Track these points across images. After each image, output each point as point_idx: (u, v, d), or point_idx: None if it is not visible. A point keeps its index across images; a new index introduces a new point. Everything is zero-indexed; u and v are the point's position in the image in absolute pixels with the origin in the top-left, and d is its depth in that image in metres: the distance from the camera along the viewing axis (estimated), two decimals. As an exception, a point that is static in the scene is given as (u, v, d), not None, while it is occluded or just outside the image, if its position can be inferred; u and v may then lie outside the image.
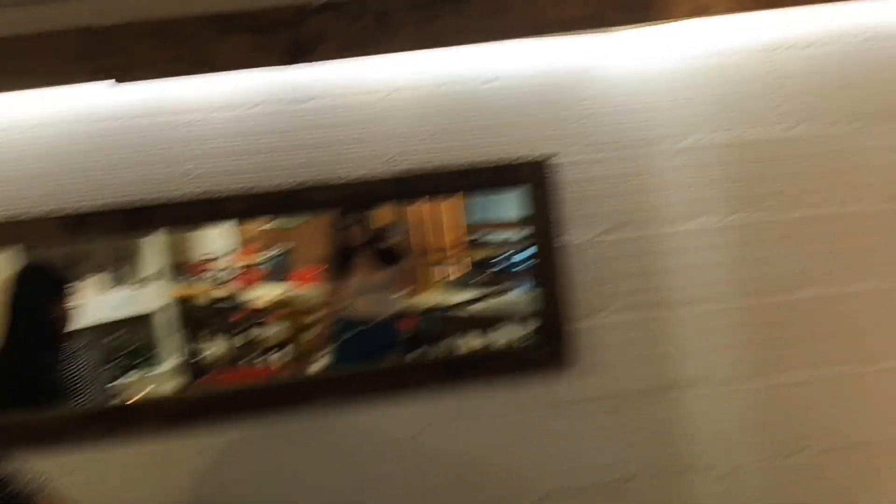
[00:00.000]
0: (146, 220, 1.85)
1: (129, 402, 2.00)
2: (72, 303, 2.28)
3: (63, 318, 2.22)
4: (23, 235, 1.83)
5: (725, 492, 2.02)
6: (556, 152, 1.94)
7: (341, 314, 3.56)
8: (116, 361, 3.56)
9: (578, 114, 1.94)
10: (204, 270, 8.40)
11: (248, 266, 8.32)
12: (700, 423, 2.00)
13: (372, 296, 3.49)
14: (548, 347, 1.95)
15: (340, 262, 3.57)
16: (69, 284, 2.30)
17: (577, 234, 1.96)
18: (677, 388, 1.99)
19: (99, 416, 1.89)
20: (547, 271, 1.95)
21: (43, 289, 2.21)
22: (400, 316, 3.80)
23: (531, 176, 1.93)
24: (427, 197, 2.01)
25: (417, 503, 1.95)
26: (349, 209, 2.26)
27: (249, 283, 7.15)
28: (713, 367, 2.00)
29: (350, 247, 3.48)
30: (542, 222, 1.94)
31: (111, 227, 1.85)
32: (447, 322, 4.69)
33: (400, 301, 3.67)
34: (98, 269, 5.38)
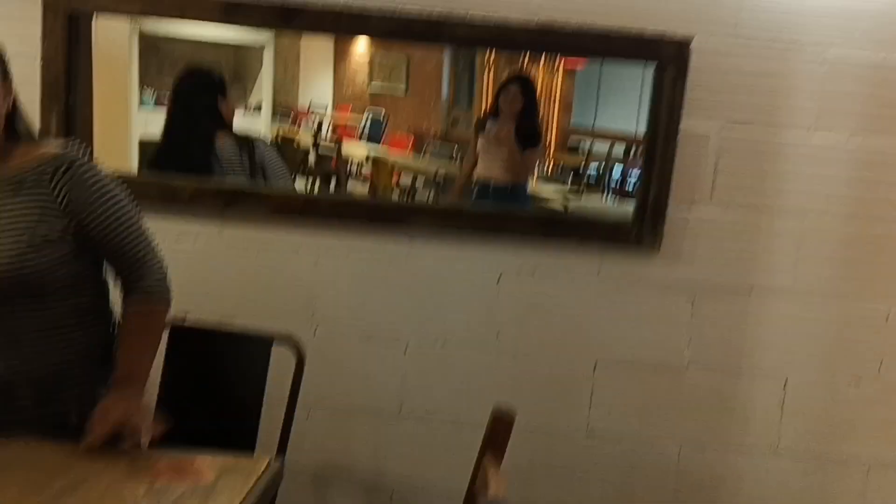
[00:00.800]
0: (294, 19, 1.94)
1: (246, 191, 2.12)
2: (229, 103, 2.61)
3: (222, 114, 2.55)
4: (180, 7, 1.93)
5: (780, 402, 2.07)
6: (697, 35, 1.92)
7: (475, 174, 3.76)
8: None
9: (731, 2, 1.91)
10: (305, 118, 8.62)
11: (345, 124, 8.49)
12: (772, 329, 2.04)
13: (504, 164, 3.64)
14: (643, 226, 2.00)
15: (485, 125, 3.71)
16: (226, 88, 2.63)
17: (697, 123, 1.97)
18: (758, 292, 2.03)
19: (219, 194, 2.04)
20: (659, 152, 1.97)
21: (204, 88, 2.54)
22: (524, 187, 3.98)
23: (668, 53, 1.93)
24: (561, 52, 2.02)
25: (482, 341, 2.06)
26: (481, 46, 2.27)
27: (346, 138, 7.35)
28: (799, 278, 2.02)
29: (498, 113, 3.60)
30: (667, 103, 1.95)
31: (262, 19, 1.94)
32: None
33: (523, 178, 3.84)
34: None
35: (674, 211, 1.99)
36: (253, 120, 7.05)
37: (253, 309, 2.06)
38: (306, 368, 1.70)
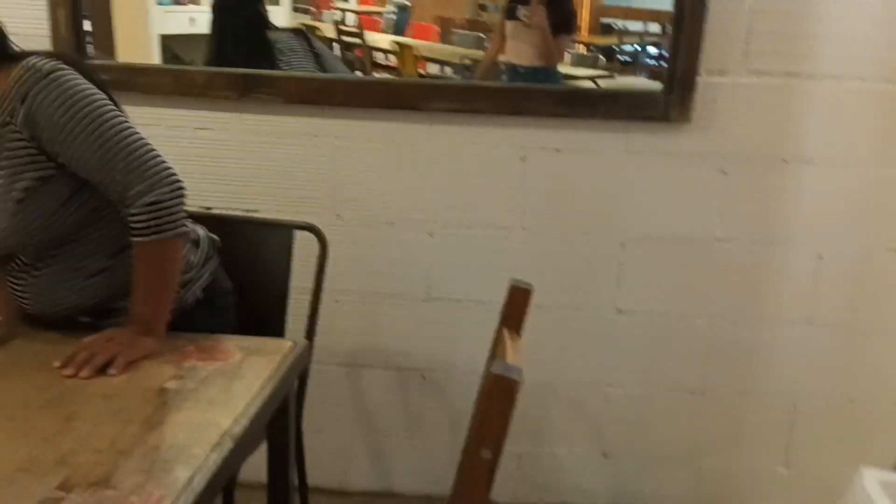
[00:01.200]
0: None
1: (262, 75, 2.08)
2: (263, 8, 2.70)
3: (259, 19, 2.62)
4: None
5: (814, 273, 2.03)
6: None
7: (504, 59, 3.63)
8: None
9: None
10: (329, 8, 8.38)
11: (369, 13, 8.24)
12: (806, 199, 1.98)
13: (534, 49, 3.51)
14: (671, 95, 1.92)
15: (514, 10, 3.56)
16: None
17: (728, -17, 1.85)
18: (793, 161, 1.95)
19: (234, 81, 2.00)
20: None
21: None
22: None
23: None
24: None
25: (508, 222, 2.04)
26: None
27: (369, 28, 7.14)
28: (834, 147, 1.94)
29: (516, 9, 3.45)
30: (696, -38, 1.84)
31: None
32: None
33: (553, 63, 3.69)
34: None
35: (706, 77, 1.91)
36: (271, 13, 6.84)
37: (273, 198, 2.05)
38: (332, 256, 1.70)
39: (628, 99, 1.97)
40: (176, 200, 1.29)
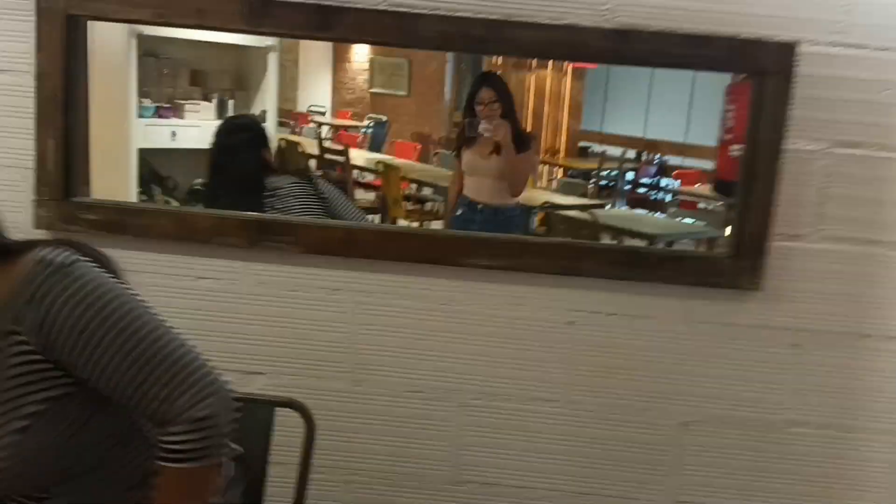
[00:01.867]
0: (333, 23, 1.65)
1: (277, 221, 1.83)
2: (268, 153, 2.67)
3: (260, 164, 2.58)
4: (198, 13, 1.64)
5: None
6: (801, 39, 1.65)
7: (462, 193, 3.40)
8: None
9: (835, 2, 1.64)
10: (307, 123, 8.29)
11: (347, 127, 8.17)
12: (892, 380, 1.77)
13: (496, 179, 3.29)
14: (741, 260, 1.72)
15: (465, 138, 3.38)
16: (268, 139, 2.71)
17: (799, 141, 1.69)
18: (874, 338, 1.75)
19: (248, 225, 1.75)
20: (757, 176, 1.70)
21: (248, 144, 2.57)
22: (522, 205, 3.62)
23: (770, 61, 1.65)
24: (640, 63, 1.74)
25: (551, 397, 1.78)
26: (552, 56, 1.99)
27: (347, 143, 7.05)
28: (921, 323, 1.75)
29: (478, 124, 3.27)
30: (768, 119, 1.68)
31: (294, 23, 1.65)
32: (564, 222, 4.51)
33: (520, 189, 3.47)
34: (212, 95, 5.29)
35: (775, 243, 1.72)
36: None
37: (283, 360, 1.77)
38: (345, 430, 1.45)
39: (693, 263, 1.76)
40: (229, 416, 1.03)
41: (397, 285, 1.76)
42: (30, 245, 1.04)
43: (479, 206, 3.40)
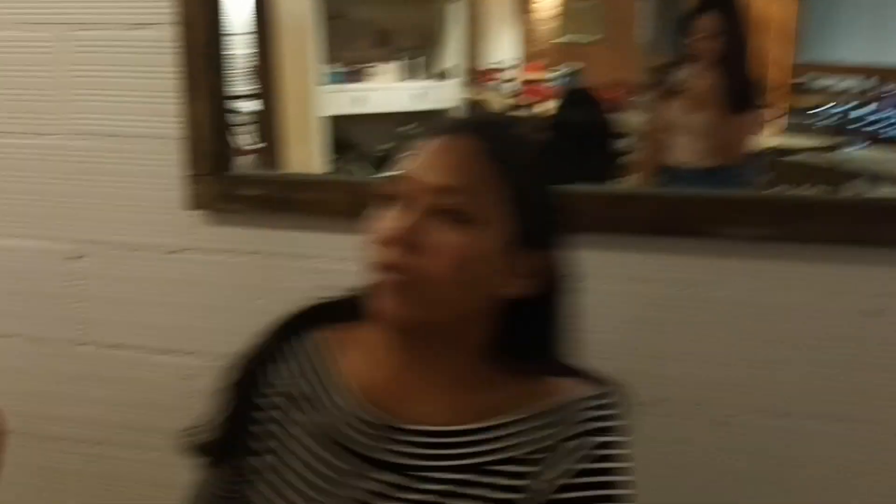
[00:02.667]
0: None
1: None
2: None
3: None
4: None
5: None
6: None
7: (666, 159, 2.75)
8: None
9: None
10: (491, 79, 7.95)
11: (534, 80, 7.74)
12: None
13: (704, 138, 2.63)
14: None
15: (669, 82, 2.73)
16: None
17: None
18: None
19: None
20: None
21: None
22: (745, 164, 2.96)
23: None
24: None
25: (847, 412, 1.30)
26: None
27: (536, 97, 6.61)
28: None
29: (680, 69, 2.59)
30: None
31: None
32: (794, 170, 3.85)
33: (735, 155, 2.73)
34: (397, 55, 5.07)
35: None
36: (436, 89, 6.45)
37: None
38: None
39: None
40: None
41: (620, 265, 1.34)
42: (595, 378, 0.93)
43: (685, 170, 2.74)
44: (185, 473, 1.55)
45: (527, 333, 0.91)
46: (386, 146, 3.66)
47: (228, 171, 1.46)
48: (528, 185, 0.88)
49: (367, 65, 4.91)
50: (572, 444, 0.86)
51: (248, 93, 1.93)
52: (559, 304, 0.92)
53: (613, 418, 0.88)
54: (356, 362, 0.93)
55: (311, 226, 1.44)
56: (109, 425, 1.60)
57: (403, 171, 0.86)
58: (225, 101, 1.45)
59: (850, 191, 3.58)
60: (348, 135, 4.81)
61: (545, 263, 0.89)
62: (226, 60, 1.43)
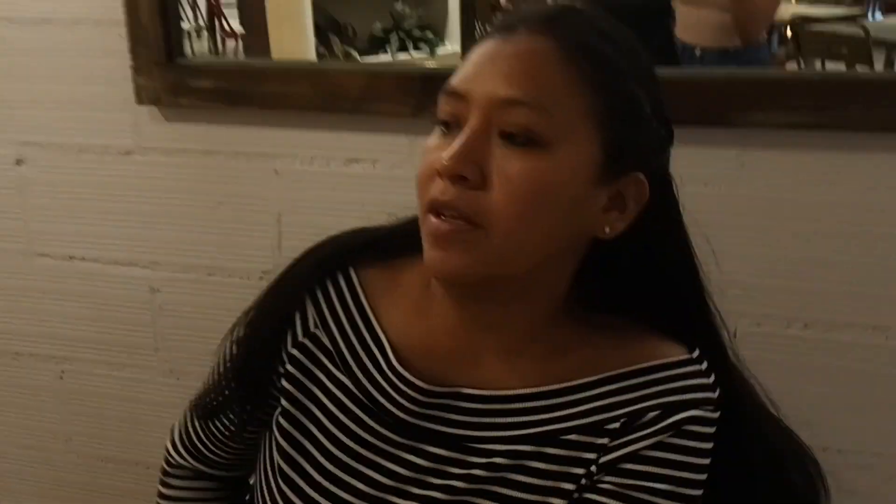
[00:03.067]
0: None
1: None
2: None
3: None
4: None
5: None
6: None
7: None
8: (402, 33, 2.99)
9: None
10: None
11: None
12: None
13: (719, 11, 2.33)
14: None
15: None
16: None
17: None
18: None
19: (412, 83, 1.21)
20: None
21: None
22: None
23: None
24: None
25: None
26: None
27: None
28: None
29: None
30: None
31: None
32: (821, 41, 3.56)
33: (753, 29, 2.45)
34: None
35: None
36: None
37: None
38: None
39: None
40: None
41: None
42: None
43: (697, 51, 2.47)
44: (162, 391, 1.47)
45: (619, 282, 0.75)
46: (379, 26, 3.39)
47: (178, 60, 1.27)
48: (619, 92, 0.68)
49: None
50: (649, 416, 0.71)
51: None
52: (662, 243, 0.74)
53: (701, 389, 0.72)
54: (403, 312, 0.78)
55: (275, 122, 1.26)
56: (74, 341, 1.48)
57: (458, 84, 0.68)
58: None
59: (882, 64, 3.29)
60: (335, 15, 4.51)
61: (642, 191, 0.70)
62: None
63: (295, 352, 0.77)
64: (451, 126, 0.68)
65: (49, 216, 1.41)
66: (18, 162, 1.39)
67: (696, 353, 0.74)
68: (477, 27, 2.38)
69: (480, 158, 0.65)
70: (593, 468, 0.71)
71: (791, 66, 2.89)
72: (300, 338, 0.78)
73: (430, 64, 2.08)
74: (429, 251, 0.67)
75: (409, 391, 0.74)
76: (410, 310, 0.77)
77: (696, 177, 1.12)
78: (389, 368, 0.75)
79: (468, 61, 0.69)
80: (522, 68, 0.65)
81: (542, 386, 0.73)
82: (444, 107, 0.68)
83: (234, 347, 0.81)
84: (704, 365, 0.74)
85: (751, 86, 1.10)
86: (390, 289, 0.78)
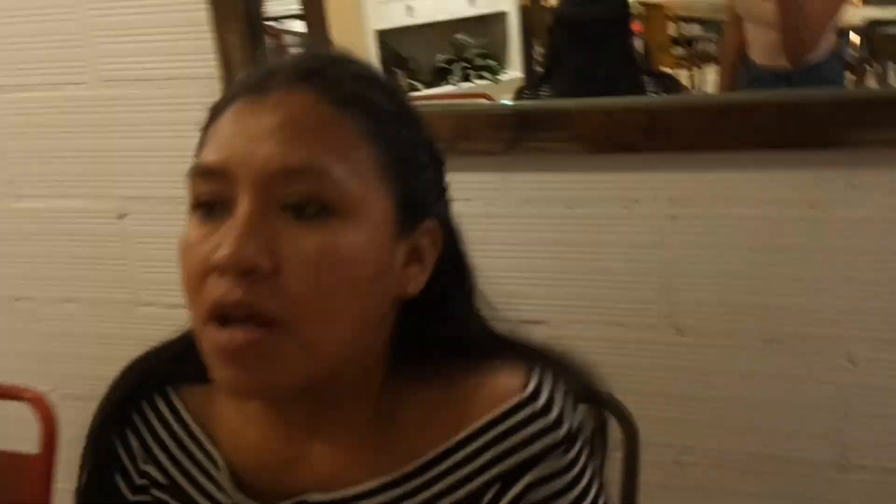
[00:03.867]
0: None
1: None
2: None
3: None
4: None
5: None
6: None
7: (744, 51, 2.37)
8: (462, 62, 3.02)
9: None
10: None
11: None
12: None
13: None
14: None
15: None
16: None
17: None
18: None
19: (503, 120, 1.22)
20: None
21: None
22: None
23: None
24: None
25: None
26: None
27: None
28: None
29: None
30: None
31: None
32: (878, 45, 3.39)
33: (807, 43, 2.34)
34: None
35: None
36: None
37: (561, 302, 1.27)
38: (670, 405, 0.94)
39: None
40: None
41: (736, 186, 1.15)
42: (504, 347, 0.68)
43: (767, 71, 2.35)
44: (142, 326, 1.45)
45: (436, 327, 0.65)
46: (442, 57, 3.44)
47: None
48: (395, 139, 0.61)
49: (417, -32, 4.63)
50: (517, 484, 0.62)
51: (288, 14, 1.76)
52: (464, 276, 0.67)
53: (541, 435, 0.62)
54: (231, 423, 0.68)
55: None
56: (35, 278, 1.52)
57: (215, 160, 0.57)
58: (259, 25, 1.28)
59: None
60: (401, 49, 4.58)
61: (436, 238, 0.63)
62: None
63: (140, 498, 0.69)
64: (214, 209, 0.57)
65: (151, 267, 1.46)
66: (121, 216, 1.44)
67: (530, 387, 0.63)
68: (534, 51, 2.38)
69: (269, 241, 0.54)
70: None
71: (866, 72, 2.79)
72: (137, 481, 0.69)
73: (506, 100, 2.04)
74: (221, 371, 0.56)
75: None
76: (239, 420, 0.67)
77: (803, 201, 1.11)
78: (228, 492, 0.66)
79: (217, 131, 0.59)
80: (292, 130, 0.56)
81: (395, 471, 0.63)
82: (199, 188, 0.58)
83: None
84: (541, 400, 0.63)
85: (852, 103, 1.08)
86: (214, 401, 0.69)
